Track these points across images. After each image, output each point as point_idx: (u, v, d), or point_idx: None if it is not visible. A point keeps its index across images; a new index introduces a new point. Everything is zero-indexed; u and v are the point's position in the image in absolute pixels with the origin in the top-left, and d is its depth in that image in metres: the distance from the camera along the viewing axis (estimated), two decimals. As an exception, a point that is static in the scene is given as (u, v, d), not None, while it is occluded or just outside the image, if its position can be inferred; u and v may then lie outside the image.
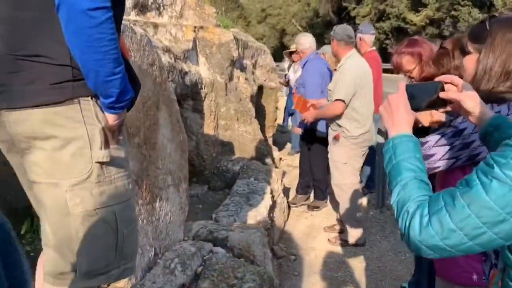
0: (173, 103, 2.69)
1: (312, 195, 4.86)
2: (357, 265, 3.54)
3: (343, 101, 3.48)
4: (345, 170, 3.70)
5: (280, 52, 12.11)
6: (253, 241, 2.39)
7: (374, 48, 4.79)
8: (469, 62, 1.35)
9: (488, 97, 1.23)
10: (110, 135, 1.25)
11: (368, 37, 4.64)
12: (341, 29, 3.62)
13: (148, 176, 2.26)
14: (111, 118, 1.22)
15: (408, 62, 2.55)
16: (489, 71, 1.26)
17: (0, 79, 1.14)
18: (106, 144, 1.24)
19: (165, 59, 3.38)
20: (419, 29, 25.20)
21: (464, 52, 1.39)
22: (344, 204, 3.84)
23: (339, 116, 3.57)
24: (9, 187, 1.48)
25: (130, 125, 2.10)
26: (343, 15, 29.08)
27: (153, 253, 2.28)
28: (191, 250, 2.26)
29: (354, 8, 28.73)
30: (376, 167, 4.80)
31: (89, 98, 1.21)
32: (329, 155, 3.80)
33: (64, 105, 1.16)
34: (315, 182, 4.73)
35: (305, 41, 4.52)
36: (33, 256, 1.86)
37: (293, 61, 4.61)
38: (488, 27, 1.28)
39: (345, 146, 3.66)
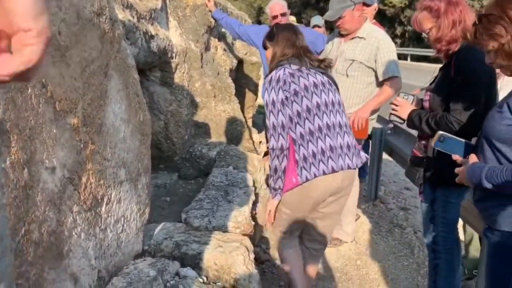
0: (131, 70, 2.01)
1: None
2: (353, 273, 3.00)
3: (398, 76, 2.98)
4: None
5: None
6: (235, 260, 1.78)
7: (374, 21, 4.15)
8: None
9: None
10: None
11: (372, 7, 4.00)
12: None
13: (88, 170, 1.59)
14: None
15: (424, 18, 1.97)
16: None
17: None
18: None
19: (125, 16, 2.67)
20: (398, 12, 24.74)
21: None
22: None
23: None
24: None
25: (59, 97, 1.42)
26: (321, -5, 28.28)
27: (95, 278, 1.64)
28: (150, 274, 1.63)
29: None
30: (370, 154, 4.24)
31: None
32: None
33: None
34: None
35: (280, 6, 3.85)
36: None
37: None
38: None
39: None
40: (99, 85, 1.71)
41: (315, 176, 2.01)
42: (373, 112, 3.11)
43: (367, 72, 3.00)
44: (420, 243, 3.34)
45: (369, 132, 3.31)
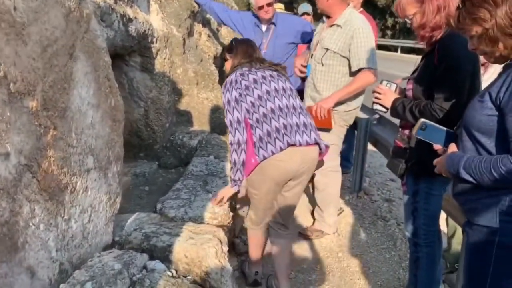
0: (101, 53, 1.91)
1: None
2: (334, 265, 2.95)
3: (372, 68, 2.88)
4: (332, 151, 3.03)
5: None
6: (206, 253, 1.70)
7: (362, 9, 4.06)
8: None
9: None
10: None
11: None
12: None
13: (50, 157, 1.50)
14: None
15: (408, 3, 1.90)
16: None
17: None
18: None
19: (100, -3, 2.54)
20: (389, 3, 24.64)
21: None
22: (323, 190, 3.22)
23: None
24: None
25: (14, 77, 1.32)
26: (314, -16, 28.05)
27: (57, 271, 1.55)
28: (114, 267, 1.54)
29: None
30: (355, 144, 4.18)
31: None
32: None
33: None
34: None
35: None
36: None
37: None
38: None
39: (336, 124, 3.01)
40: (63, 66, 1.60)
41: (273, 153, 2.14)
42: (353, 98, 3.01)
43: (343, 61, 2.91)
44: (403, 235, 3.30)
45: (348, 123, 3.21)
